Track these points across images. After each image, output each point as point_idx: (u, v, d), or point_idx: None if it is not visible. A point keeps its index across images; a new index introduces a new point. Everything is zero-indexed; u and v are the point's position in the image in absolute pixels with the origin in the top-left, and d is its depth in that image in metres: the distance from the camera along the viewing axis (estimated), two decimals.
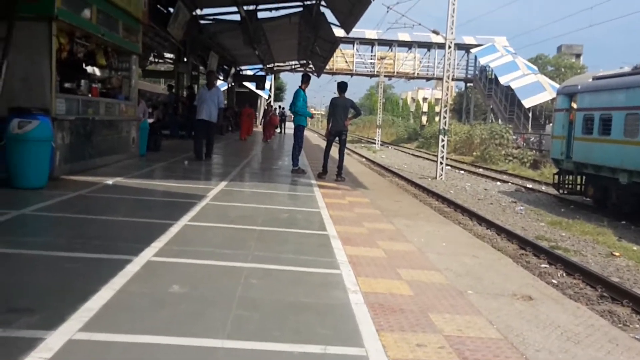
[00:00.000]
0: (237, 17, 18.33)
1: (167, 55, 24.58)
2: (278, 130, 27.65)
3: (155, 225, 5.44)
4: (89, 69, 10.85)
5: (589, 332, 3.64)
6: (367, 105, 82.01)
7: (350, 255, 5.04)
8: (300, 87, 11.60)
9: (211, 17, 19.51)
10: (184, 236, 5.21)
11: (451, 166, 28.38)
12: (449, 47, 22.23)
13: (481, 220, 13.31)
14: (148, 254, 4.46)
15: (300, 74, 14.02)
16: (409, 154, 38.83)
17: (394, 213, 7.84)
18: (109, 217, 5.96)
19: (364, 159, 30.81)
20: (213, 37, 21.21)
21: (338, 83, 11.34)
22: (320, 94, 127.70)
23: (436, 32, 23.99)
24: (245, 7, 17.56)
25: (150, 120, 16.68)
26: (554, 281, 8.63)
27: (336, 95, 11.50)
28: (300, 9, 18.52)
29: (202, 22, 19.37)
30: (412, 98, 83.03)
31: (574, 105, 16.62)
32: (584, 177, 16.52)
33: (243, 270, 4.24)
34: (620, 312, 7.20)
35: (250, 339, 3.03)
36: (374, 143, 44.07)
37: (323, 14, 18.31)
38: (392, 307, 3.77)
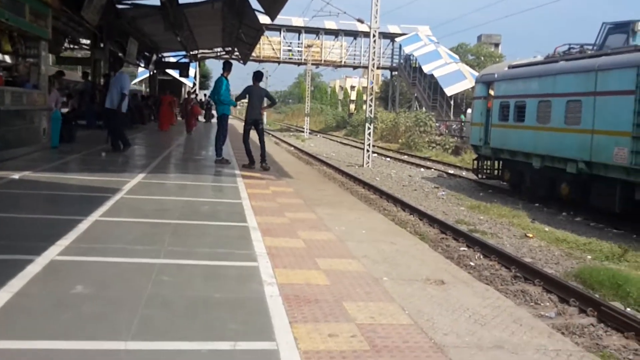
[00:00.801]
0: (157, 2, 17.67)
1: (84, 41, 23.36)
2: (204, 119, 27.00)
3: (62, 222, 5.14)
4: None
5: (496, 314, 3.79)
6: (295, 94, 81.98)
7: (269, 247, 4.99)
8: (222, 75, 11.39)
9: (129, 2, 18.66)
10: (94, 233, 4.97)
11: (378, 153, 28.90)
12: (374, 35, 22.54)
13: (405, 206, 13.63)
14: (52, 253, 4.21)
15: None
16: (338, 142, 39.18)
17: (318, 202, 7.86)
18: (12, 214, 5.57)
19: (292, 148, 30.81)
20: (132, 22, 20.32)
21: (254, 72, 11.29)
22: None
23: (361, 21, 24.21)
24: None
25: (65, 110, 15.84)
26: (472, 263, 8.96)
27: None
28: None
29: (119, 6, 18.47)
30: (340, 86, 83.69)
31: (492, 93, 17.25)
32: (501, 162, 17.22)
33: (154, 267, 4.09)
34: (532, 292, 7.55)
35: (156, 339, 2.93)
36: (303, 131, 44.14)
37: (247, 0, 17.98)
38: (307, 297, 3.77)
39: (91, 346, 2.78)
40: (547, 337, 3.45)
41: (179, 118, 24.33)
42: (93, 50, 19.64)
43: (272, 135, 41.48)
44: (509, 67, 16.87)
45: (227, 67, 11.52)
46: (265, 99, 11.30)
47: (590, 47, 14.13)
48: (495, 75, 17.11)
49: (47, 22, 10.99)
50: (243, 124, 11.37)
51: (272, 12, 17.55)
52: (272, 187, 8.71)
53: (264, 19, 20.41)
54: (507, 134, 16.12)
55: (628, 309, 6.89)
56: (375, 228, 6.45)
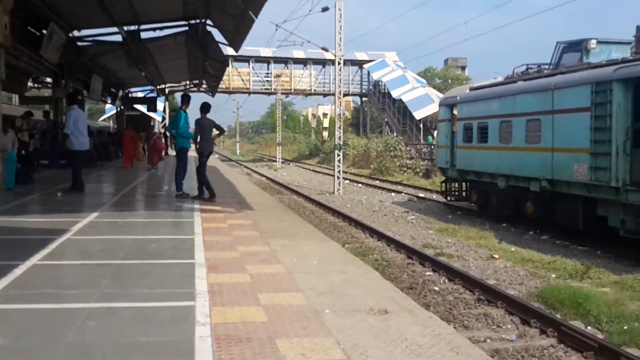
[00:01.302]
0: (119, 38, 17.60)
1: (49, 79, 23.15)
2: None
3: None
4: None
5: (434, 342, 3.70)
6: (268, 123, 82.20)
7: (213, 284, 4.86)
8: (180, 108, 11.36)
9: (90, 39, 18.56)
10: (28, 278, 4.78)
11: (350, 180, 28.97)
12: (339, 63, 22.82)
13: (373, 232, 13.57)
14: None
15: (195, 94, 13.77)
16: (310, 170, 39.22)
17: (274, 234, 7.74)
18: None
19: (264, 178, 30.68)
20: (94, 59, 20.20)
21: (202, 104, 11.29)
22: (219, 113, 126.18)
23: (325, 49, 24.52)
24: (125, 28, 16.89)
25: (23, 152, 15.54)
26: (436, 288, 8.88)
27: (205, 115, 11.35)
28: (186, 28, 18.12)
29: (80, 43, 18.38)
30: (312, 114, 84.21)
31: (456, 115, 17.44)
32: (468, 184, 17.30)
33: (83, 312, 3.93)
34: (494, 314, 7.49)
35: None
36: (276, 161, 44.14)
37: (210, 33, 18.04)
38: (239, 337, 3.64)
39: None
40: None
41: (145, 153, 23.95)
42: (54, 89, 19.40)
43: (245, 166, 41.38)
44: (470, 89, 17.12)
45: (185, 100, 11.49)
46: (214, 129, 11.28)
47: (547, 67, 14.41)
48: (458, 98, 17.34)
49: (0, 62, 10.83)
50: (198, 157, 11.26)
51: (235, 44, 17.62)
52: (229, 220, 8.58)
53: (229, 50, 20.50)
54: (471, 156, 16.26)
55: (588, 328, 6.87)
56: (328, 258, 6.34)
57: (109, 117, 39.41)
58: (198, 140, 11.09)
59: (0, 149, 11.01)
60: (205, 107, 11.25)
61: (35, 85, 26.33)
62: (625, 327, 6.68)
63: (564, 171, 11.98)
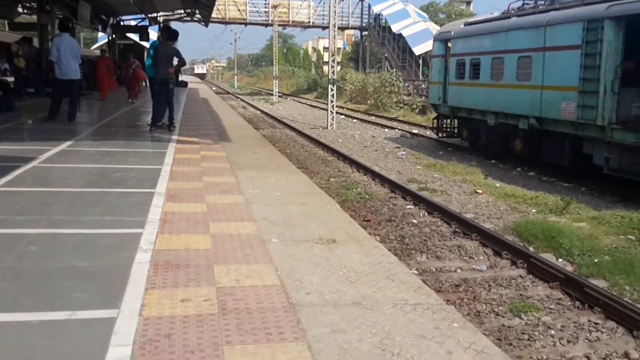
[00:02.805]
0: None
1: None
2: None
3: None
4: None
5: (372, 271, 3.72)
6: (268, 56, 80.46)
7: (167, 212, 4.86)
8: (157, 38, 11.10)
9: None
10: None
11: (346, 115, 28.70)
12: None
13: (360, 167, 13.56)
14: None
15: (191, 23, 13.48)
16: (307, 104, 38.76)
17: (245, 166, 7.69)
18: None
19: (258, 112, 30.38)
20: None
21: (162, 27, 10.91)
22: (217, 44, 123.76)
23: None
24: None
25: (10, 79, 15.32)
26: (414, 221, 8.94)
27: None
28: None
29: None
30: (313, 48, 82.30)
31: (450, 50, 17.07)
32: (459, 121, 17.20)
33: (27, 237, 3.94)
34: (468, 246, 7.58)
35: None
36: (273, 95, 43.60)
37: None
38: (178, 263, 3.66)
39: None
40: (414, 291, 3.40)
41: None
42: (39, 15, 18.87)
43: (241, 100, 40.89)
44: (465, 25, 16.64)
45: (163, 32, 11.17)
46: (176, 59, 10.86)
47: (543, 2, 13.97)
48: (452, 33, 16.89)
49: None
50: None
51: None
52: (203, 152, 8.52)
53: None
54: (463, 92, 16.05)
55: (559, 260, 6.98)
56: (292, 190, 6.32)
57: (100, 46, 38.49)
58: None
59: None
60: (165, 33, 10.86)
61: (25, 11, 25.57)
62: (595, 260, 6.78)
63: (552, 109, 11.88)
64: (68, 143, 8.45)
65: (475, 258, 7.17)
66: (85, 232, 4.16)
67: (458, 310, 4.01)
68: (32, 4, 21.95)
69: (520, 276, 6.47)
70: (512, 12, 14.53)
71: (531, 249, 7.36)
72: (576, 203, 9.77)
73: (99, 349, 2.52)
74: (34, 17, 27.59)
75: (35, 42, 21.06)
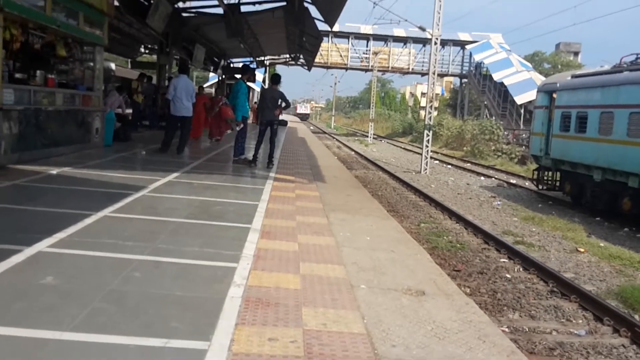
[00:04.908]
0: (220, 11, 18.26)
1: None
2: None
3: (70, 216, 5.40)
4: (52, 60, 10.80)
5: (462, 329, 3.59)
6: (365, 99, 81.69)
7: (260, 249, 5.01)
8: (240, 79, 11.94)
9: (194, 10, 19.44)
10: (94, 227, 5.18)
11: (440, 160, 28.33)
12: (435, 42, 22.19)
13: (452, 214, 13.26)
14: (43, 244, 4.44)
15: (295, 67, 14.46)
16: (401, 147, 38.71)
17: (337, 207, 7.79)
18: (26, 206, 5.87)
19: (353, 152, 30.73)
20: (197, 29, 21.13)
21: (271, 75, 11.69)
22: (317, 87, 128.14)
23: (422, 28, 23.85)
24: (226, 1, 17.48)
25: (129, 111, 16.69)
26: (508, 275, 8.59)
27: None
28: (284, 3, 18.42)
29: (184, 14, 19.29)
30: (410, 93, 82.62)
31: (554, 102, 16.61)
32: (561, 174, 16.50)
33: (132, 263, 4.21)
34: (565, 308, 7.18)
35: (92, 331, 3.00)
36: (368, 136, 44.02)
37: (307, 8, 18.21)
38: (268, 301, 3.74)
39: (23, 333, 2.89)
40: (506, 356, 3.23)
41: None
42: (159, 56, 20.59)
43: (337, 140, 41.61)
44: (572, 77, 16.22)
45: (244, 71, 12.06)
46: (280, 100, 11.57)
47: None
48: (558, 85, 16.43)
49: (104, 29, 11.62)
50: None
51: (330, 20, 17.70)
52: (298, 191, 8.73)
53: (325, 27, 20.61)
54: (568, 145, 15.43)
55: None
56: (382, 236, 6.29)
57: (210, 85, 41.14)
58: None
59: (99, 108, 11.87)
60: (273, 79, 11.85)
61: (146, 51, 28.00)
62: None
63: None
64: (175, 174, 9.02)
65: (574, 321, 6.76)
66: (184, 262, 4.38)
67: None
68: (154, 45, 24.03)
69: (623, 345, 6.01)
70: (625, 65, 13.95)
71: (636, 317, 6.84)
72: None
73: None
74: (154, 57, 30.16)
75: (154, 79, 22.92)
